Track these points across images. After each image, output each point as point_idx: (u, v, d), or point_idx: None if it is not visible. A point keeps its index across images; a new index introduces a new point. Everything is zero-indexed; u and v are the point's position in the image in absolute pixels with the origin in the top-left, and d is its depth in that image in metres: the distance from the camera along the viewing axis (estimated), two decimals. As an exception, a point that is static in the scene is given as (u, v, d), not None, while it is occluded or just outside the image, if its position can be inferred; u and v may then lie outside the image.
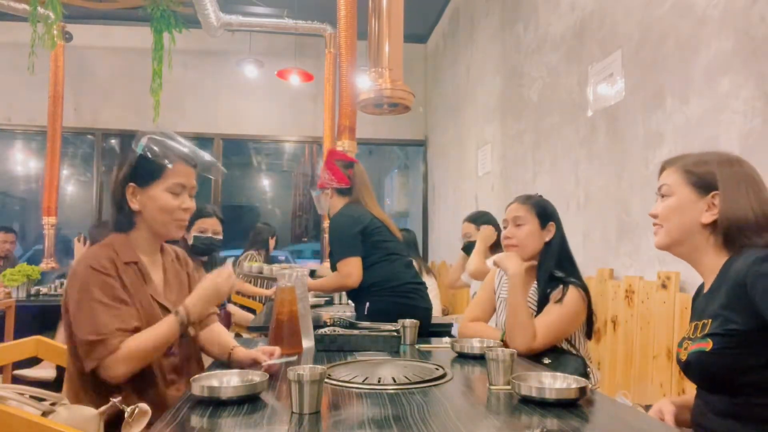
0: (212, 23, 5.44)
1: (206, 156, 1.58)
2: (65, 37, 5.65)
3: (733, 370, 1.09)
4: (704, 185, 1.21)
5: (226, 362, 1.52)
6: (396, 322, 1.90)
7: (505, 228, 1.93)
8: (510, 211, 1.91)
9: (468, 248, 3.10)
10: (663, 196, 1.27)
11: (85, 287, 1.34)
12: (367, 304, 2.38)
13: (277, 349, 1.48)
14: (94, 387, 1.37)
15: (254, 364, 1.43)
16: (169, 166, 1.47)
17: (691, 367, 1.18)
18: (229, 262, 1.54)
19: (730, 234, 1.17)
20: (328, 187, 2.55)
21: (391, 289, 2.35)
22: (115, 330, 1.32)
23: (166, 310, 1.48)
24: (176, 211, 1.49)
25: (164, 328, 1.38)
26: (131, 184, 1.47)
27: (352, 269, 2.34)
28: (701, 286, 1.32)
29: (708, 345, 1.12)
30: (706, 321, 1.16)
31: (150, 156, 1.46)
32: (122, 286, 1.40)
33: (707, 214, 1.20)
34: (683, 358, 1.20)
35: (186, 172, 1.51)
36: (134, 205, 1.47)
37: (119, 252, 1.44)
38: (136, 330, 1.37)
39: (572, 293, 1.74)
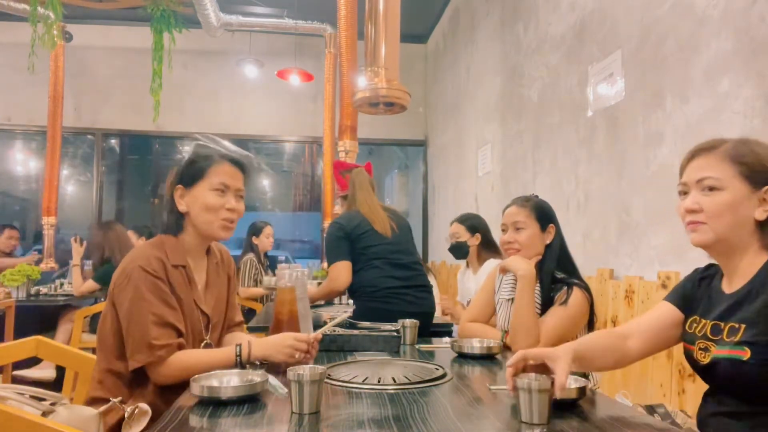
0: (212, 23, 5.44)
1: (245, 154, 1.60)
2: (65, 37, 5.66)
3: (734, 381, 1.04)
4: (758, 177, 1.10)
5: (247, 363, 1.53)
6: None
7: (504, 232, 1.91)
8: (509, 215, 1.89)
9: (454, 249, 3.09)
10: (710, 188, 1.12)
11: (137, 289, 1.37)
12: (353, 307, 2.48)
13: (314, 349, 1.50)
14: (128, 380, 1.41)
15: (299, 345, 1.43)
16: (212, 165, 1.51)
17: (717, 372, 1.11)
18: (317, 333, 1.52)
19: None
20: (338, 197, 2.71)
21: (369, 294, 2.40)
22: (164, 339, 1.35)
23: (205, 316, 1.52)
24: (220, 210, 1.50)
25: (221, 357, 1.40)
26: (179, 186, 1.50)
27: (339, 273, 2.41)
28: (710, 278, 1.24)
29: (745, 354, 1.04)
30: (735, 325, 1.09)
31: (195, 157, 1.52)
32: (171, 289, 1.43)
33: (760, 210, 1.10)
34: (703, 360, 1.13)
35: (230, 173, 1.53)
36: (182, 206, 1.50)
37: (169, 254, 1.46)
38: (180, 334, 1.40)
39: (576, 295, 1.73)
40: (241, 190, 1.56)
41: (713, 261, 1.23)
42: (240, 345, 1.41)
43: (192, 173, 1.51)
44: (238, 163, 1.55)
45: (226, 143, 1.58)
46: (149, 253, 1.43)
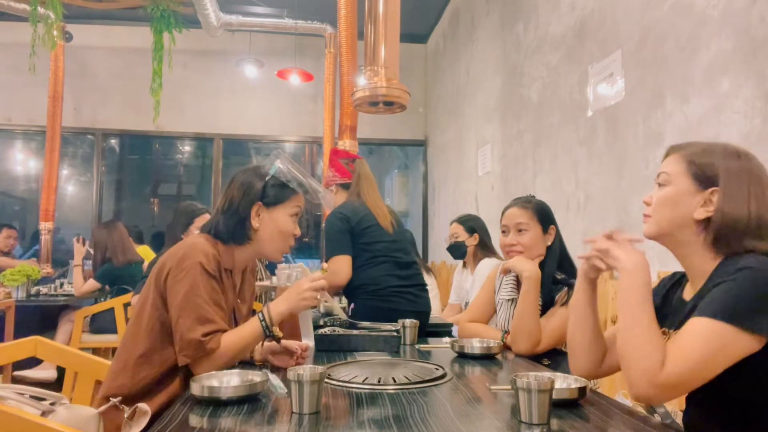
0: (212, 23, 5.44)
1: (320, 186, 1.61)
2: (65, 37, 5.65)
3: (714, 386, 1.02)
4: (705, 178, 1.11)
5: (248, 359, 1.55)
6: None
7: (504, 233, 1.91)
8: (510, 216, 1.88)
9: (453, 248, 3.10)
10: (660, 184, 1.17)
11: (194, 285, 1.36)
12: (352, 305, 2.41)
13: (310, 348, 1.51)
14: (168, 367, 1.40)
15: (284, 351, 1.47)
16: (297, 193, 1.53)
17: None
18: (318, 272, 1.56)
19: (720, 234, 1.09)
20: (333, 185, 2.61)
21: (372, 292, 2.34)
22: (213, 333, 1.35)
23: (237, 325, 1.52)
24: (290, 237, 1.54)
25: (250, 332, 1.40)
26: (259, 202, 1.50)
27: (340, 267, 2.35)
28: (677, 286, 1.24)
29: None
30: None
31: (282, 180, 1.51)
32: (222, 290, 1.44)
33: (702, 210, 1.11)
34: None
35: (304, 200, 1.57)
36: (255, 222, 1.50)
37: (222, 256, 1.46)
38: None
39: None
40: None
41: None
42: (261, 312, 1.42)
43: (276, 195, 1.51)
44: (307, 190, 1.57)
45: (298, 169, 1.57)
46: (209, 251, 1.43)
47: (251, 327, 1.41)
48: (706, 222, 1.11)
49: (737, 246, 1.07)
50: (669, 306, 1.22)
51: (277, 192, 1.51)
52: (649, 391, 1.01)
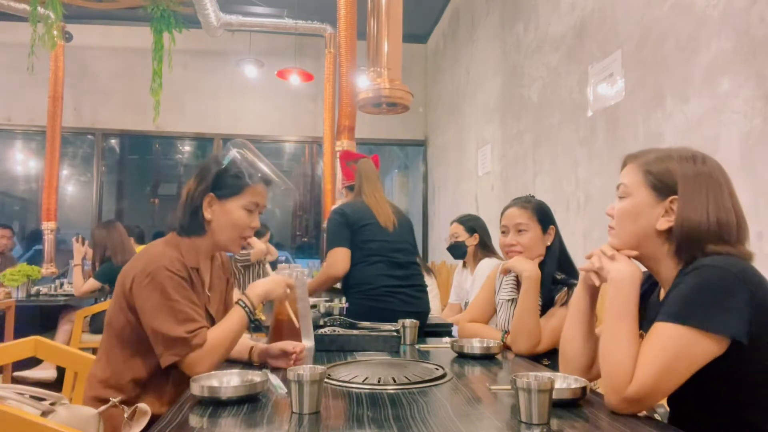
0: (212, 23, 5.44)
1: (283, 179, 1.59)
2: (65, 37, 5.66)
3: (688, 388, 1.02)
4: (663, 188, 1.11)
5: (246, 361, 1.55)
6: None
7: (504, 234, 1.91)
8: (510, 216, 1.88)
9: (453, 248, 3.10)
10: (620, 197, 1.16)
11: (163, 290, 1.35)
12: (347, 304, 2.41)
13: (311, 348, 1.52)
14: (145, 379, 1.40)
15: (282, 355, 1.47)
16: (251, 184, 1.50)
17: None
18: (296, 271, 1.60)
19: (683, 243, 1.08)
20: (343, 189, 2.66)
21: (365, 291, 2.34)
22: (197, 329, 1.35)
23: (212, 319, 1.51)
24: (245, 229, 1.51)
25: (235, 320, 1.42)
26: (210, 193, 1.48)
27: (337, 258, 2.36)
28: (652, 289, 1.23)
29: None
30: None
31: (235, 171, 1.49)
32: (192, 288, 1.43)
33: (663, 221, 1.10)
34: None
35: (263, 193, 1.54)
36: (208, 214, 1.48)
37: (185, 255, 1.45)
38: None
39: None
40: (264, 207, 1.56)
41: None
42: (240, 300, 1.44)
43: (228, 186, 1.48)
44: (269, 183, 1.55)
45: (260, 155, 1.56)
46: (170, 254, 1.42)
47: (236, 315, 1.43)
48: (669, 231, 1.10)
49: (700, 252, 1.06)
50: (647, 307, 1.20)
51: (229, 183, 1.48)
52: (619, 405, 1.04)
